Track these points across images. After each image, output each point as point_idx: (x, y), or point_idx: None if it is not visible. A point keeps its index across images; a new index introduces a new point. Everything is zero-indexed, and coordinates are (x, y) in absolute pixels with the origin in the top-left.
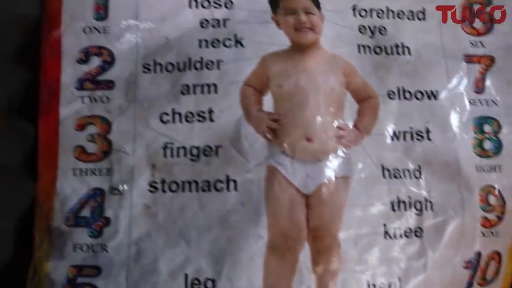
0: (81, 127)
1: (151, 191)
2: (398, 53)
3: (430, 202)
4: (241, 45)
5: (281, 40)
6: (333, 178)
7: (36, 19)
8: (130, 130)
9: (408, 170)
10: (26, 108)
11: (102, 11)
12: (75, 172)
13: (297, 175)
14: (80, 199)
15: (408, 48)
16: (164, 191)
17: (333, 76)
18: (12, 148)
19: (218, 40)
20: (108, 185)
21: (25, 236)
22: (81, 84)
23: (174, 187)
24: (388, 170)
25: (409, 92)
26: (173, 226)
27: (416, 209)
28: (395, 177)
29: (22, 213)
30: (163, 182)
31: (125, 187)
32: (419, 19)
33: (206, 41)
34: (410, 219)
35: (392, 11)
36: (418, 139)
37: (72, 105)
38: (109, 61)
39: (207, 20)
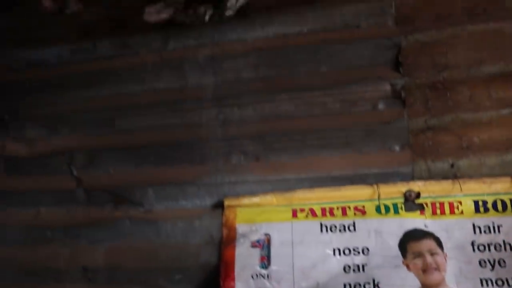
0: None
1: None
2: None
3: None
4: None
5: (411, 282)
6: None
7: (216, 266)
8: None
9: None
10: None
11: (266, 261)
12: None
13: None
14: None
15: None
16: None
17: None
18: None
19: (360, 284)
20: None
21: None
22: None
23: None
24: None
25: None
26: None
27: None
28: None
29: None
30: None
31: None
32: None
33: (349, 284)
34: None
35: (509, 244)
36: None
37: None
38: None
39: (349, 266)
